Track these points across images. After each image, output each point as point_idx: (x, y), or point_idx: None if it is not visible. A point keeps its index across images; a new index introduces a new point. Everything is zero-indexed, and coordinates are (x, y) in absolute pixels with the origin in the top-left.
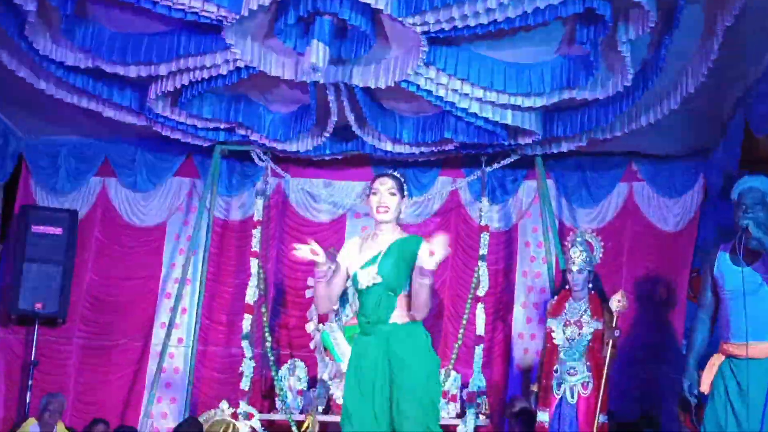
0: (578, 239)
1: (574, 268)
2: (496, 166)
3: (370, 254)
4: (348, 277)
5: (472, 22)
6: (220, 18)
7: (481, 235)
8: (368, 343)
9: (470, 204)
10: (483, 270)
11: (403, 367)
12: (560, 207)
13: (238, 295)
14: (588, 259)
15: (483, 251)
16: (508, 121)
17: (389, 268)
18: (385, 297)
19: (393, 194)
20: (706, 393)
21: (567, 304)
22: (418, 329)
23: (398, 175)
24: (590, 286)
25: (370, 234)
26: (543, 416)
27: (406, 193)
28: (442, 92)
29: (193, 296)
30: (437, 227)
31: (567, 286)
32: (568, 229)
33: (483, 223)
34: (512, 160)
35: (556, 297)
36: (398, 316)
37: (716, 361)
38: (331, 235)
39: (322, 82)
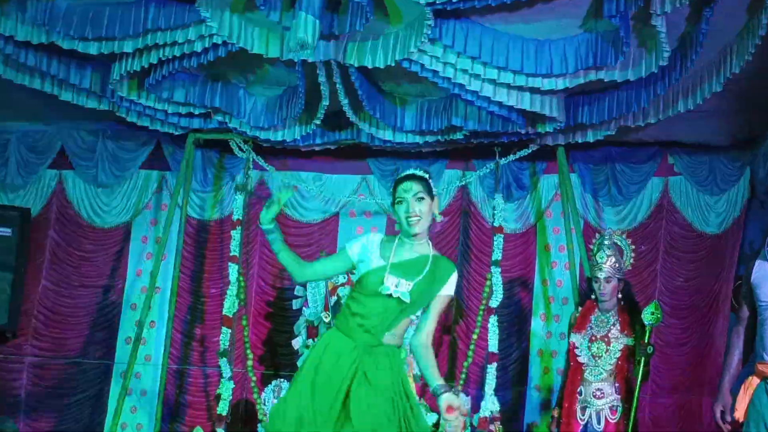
0: (606, 242)
1: (601, 276)
2: (511, 157)
3: (403, 260)
4: (350, 270)
5: None
6: None
7: (494, 238)
8: (347, 345)
9: (482, 201)
10: (496, 277)
11: (380, 390)
12: (585, 205)
13: (215, 307)
14: (617, 265)
15: (496, 256)
16: (526, 106)
17: (421, 294)
18: (397, 317)
19: (421, 198)
20: (740, 420)
21: (593, 317)
22: (399, 355)
23: (423, 174)
24: (619, 296)
25: (397, 239)
26: None
27: (435, 192)
28: (449, 73)
29: (163, 307)
30: (443, 228)
31: (593, 297)
32: (594, 231)
33: (496, 224)
34: (530, 151)
35: (580, 309)
36: (389, 339)
37: (751, 383)
38: (322, 237)
39: (311, 61)
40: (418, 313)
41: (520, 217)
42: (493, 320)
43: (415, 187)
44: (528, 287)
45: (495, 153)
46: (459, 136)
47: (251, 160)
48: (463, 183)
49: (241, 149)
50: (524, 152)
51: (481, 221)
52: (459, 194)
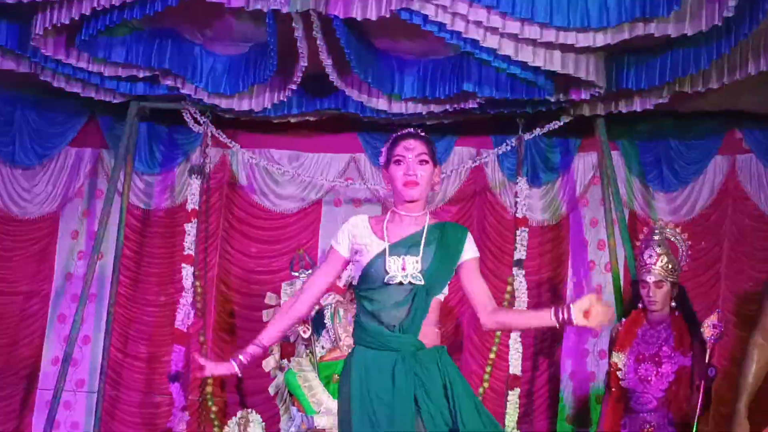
0: (656, 237)
1: (651, 279)
2: (538, 132)
3: (400, 236)
4: (344, 266)
5: None
6: None
7: (517, 232)
8: (387, 360)
9: (501, 186)
10: (520, 281)
11: (462, 399)
12: (631, 191)
13: (165, 319)
14: (670, 265)
15: (520, 254)
16: (556, 67)
17: (438, 269)
18: (422, 301)
19: (425, 162)
20: None
21: (640, 331)
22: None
23: (428, 137)
24: (673, 304)
25: (389, 215)
26: None
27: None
28: (459, 26)
29: (100, 320)
30: (453, 218)
31: (640, 305)
32: (642, 223)
33: (519, 215)
34: (562, 124)
35: (624, 320)
36: (428, 332)
37: None
38: (300, 232)
39: (285, 11)
40: (445, 291)
41: (548, 205)
42: (515, 335)
43: (419, 146)
44: (559, 294)
45: (517, 126)
46: (472, 105)
47: (210, 134)
48: (478, 164)
49: (197, 122)
50: (554, 126)
51: (500, 211)
52: (472, 178)
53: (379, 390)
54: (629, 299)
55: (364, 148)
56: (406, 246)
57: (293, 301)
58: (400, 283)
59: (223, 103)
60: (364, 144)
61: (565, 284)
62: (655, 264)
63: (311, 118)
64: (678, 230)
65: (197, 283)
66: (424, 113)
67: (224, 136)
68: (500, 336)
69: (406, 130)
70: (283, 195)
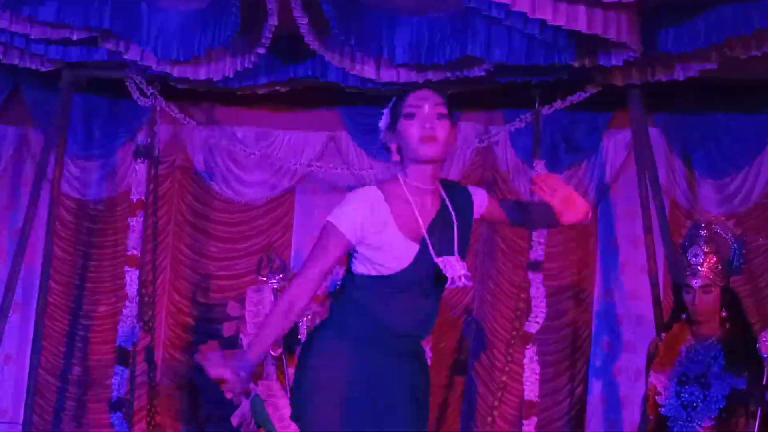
0: (703, 233)
1: (697, 284)
2: (559, 105)
3: (430, 218)
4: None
5: None
6: None
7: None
8: (399, 367)
9: (514, 172)
10: (537, 287)
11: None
12: (672, 176)
13: (105, 333)
14: (719, 267)
15: (536, 255)
16: (581, 26)
17: (464, 248)
18: (438, 303)
19: (443, 116)
20: None
21: (684, 348)
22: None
23: (445, 92)
24: (724, 314)
25: (405, 186)
26: None
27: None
28: None
29: (25, 336)
30: None
31: (684, 316)
32: (685, 215)
33: None
34: (588, 95)
35: (664, 334)
36: None
37: None
38: (270, 227)
39: None
40: None
41: None
42: (531, 353)
43: (435, 98)
44: (585, 302)
45: (534, 99)
46: (479, 72)
47: (159, 109)
48: (486, 144)
49: (143, 94)
50: (579, 97)
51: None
52: (479, 160)
53: (384, 397)
54: (671, 308)
55: (347, 125)
56: (443, 229)
57: (290, 296)
58: (431, 286)
59: (176, 71)
60: (347, 120)
61: (592, 291)
62: (701, 265)
63: (282, 89)
64: (730, 224)
65: (144, 291)
66: (419, 82)
67: (177, 110)
68: (512, 353)
69: (419, 85)
70: (249, 182)
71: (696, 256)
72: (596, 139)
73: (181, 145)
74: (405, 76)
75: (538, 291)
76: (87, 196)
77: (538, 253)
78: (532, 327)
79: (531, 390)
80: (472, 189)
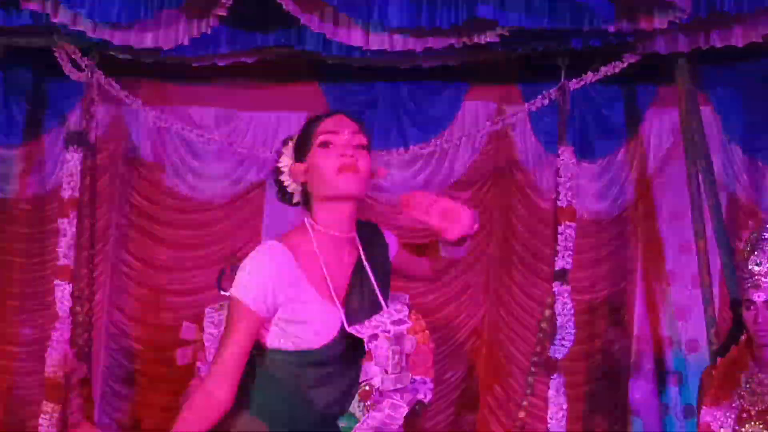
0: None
1: (760, 298)
2: (590, 78)
3: (346, 276)
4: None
5: None
6: None
7: (560, 229)
8: None
9: (534, 161)
10: (563, 302)
11: None
12: (730, 168)
13: (31, 363)
14: None
15: (563, 262)
16: None
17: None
18: (360, 371)
19: (363, 147)
20: None
21: (744, 376)
22: None
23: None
24: None
25: (313, 236)
26: None
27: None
28: None
29: None
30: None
31: (744, 337)
32: (747, 214)
33: (563, 203)
34: (626, 66)
35: (719, 360)
36: None
37: None
38: (232, 229)
39: None
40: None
41: (607, 189)
42: (556, 384)
43: (354, 125)
44: (622, 321)
45: (558, 71)
46: (491, 39)
47: (97, 86)
48: (500, 127)
49: (77, 66)
50: (614, 68)
51: (533, 199)
52: (491, 149)
53: None
54: (728, 329)
55: (328, 103)
56: (359, 293)
57: (209, 387)
58: (353, 353)
59: (117, 38)
60: (329, 99)
61: (631, 306)
62: (766, 275)
63: (249, 60)
64: None
65: (78, 309)
66: (418, 51)
67: (119, 87)
68: (533, 385)
69: (336, 110)
70: (208, 175)
71: (759, 264)
72: (636, 121)
73: (124, 129)
74: (400, 43)
75: (564, 307)
76: (7, 192)
77: (565, 260)
78: (558, 352)
79: (557, 430)
80: (386, 234)
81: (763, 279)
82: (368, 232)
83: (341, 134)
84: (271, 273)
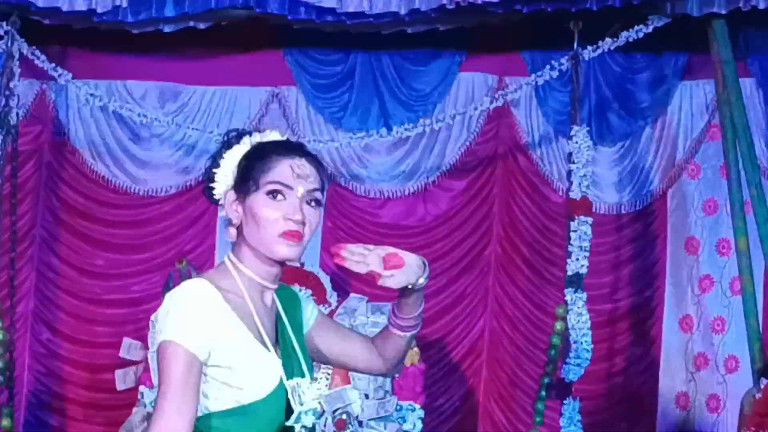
0: None
1: None
2: (608, 45)
3: (271, 322)
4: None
5: None
6: None
7: (572, 225)
8: None
9: (543, 143)
10: (578, 312)
11: None
12: None
13: None
14: None
15: (577, 265)
16: None
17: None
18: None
19: (316, 202)
20: None
21: None
22: None
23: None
24: None
25: (240, 281)
26: None
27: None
28: None
29: None
30: (459, 203)
31: None
32: None
33: (576, 195)
34: (651, 30)
35: (764, 382)
36: None
37: None
38: (180, 228)
39: None
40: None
41: (628, 178)
42: (570, 411)
43: (314, 177)
44: (648, 336)
45: (570, 35)
46: None
47: (17, 56)
48: (501, 103)
49: None
50: (637, 33)
51: (541, 189)
52: (491, 129)
53: None
54: None
55: (295, 75)
56: (282, 345)
57: None
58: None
59: (40, 1)
60: (296, 69)
61: (658, 317)
62: None
63: (200, 26)
64: None
65: None
66: (402, 13)
67: (44, 58)
68: (543, 408)
69: (284, 140)
70: (152, 163)
71: None
72: (664, 96)
73: (51, 109)
74: (380, 3)
75: (579, 319)
76: None
77: (579, 263)
78: (572, 373)
79: None
80: (302, 297)
81: None
82: (284, 294)
83: (297, 189)
84: (203, 311)
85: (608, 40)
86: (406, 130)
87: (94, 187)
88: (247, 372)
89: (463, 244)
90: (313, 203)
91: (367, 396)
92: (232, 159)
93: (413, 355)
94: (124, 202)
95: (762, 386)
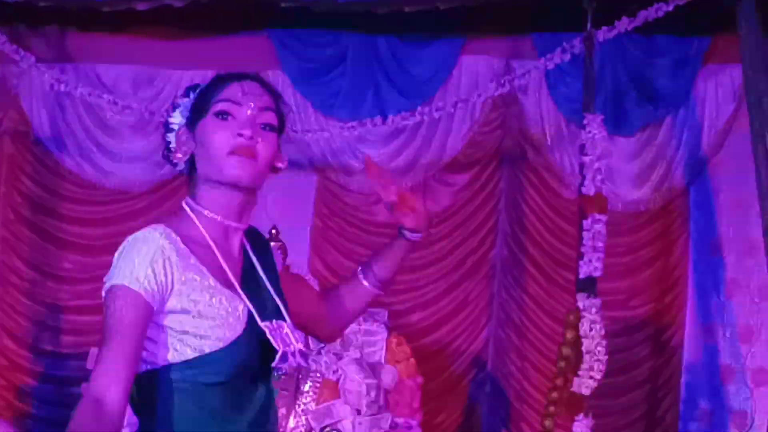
0: None
1: None
2: (624, 26)
3: (240, 268)
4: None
5: None
6: None
7: (585, 224)
8: None
9: (555, 135)
10: (591, 319)
11: None
12: None
13: None
14: None
15: (591, 267)
16: None
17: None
18: (271, 392)
19: (270, 126)
20: None
21: None
22: None
23: (279, 92)
24: None
25: (196, 218)
26: None
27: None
28: None
29: None
30: (461, 200)
31: None
32: None
33: (590, 190)
34: (672, 9)
35: None
36: None
37: None
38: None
39: None
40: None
41: (647, 172)
42: (582, 429)
43: (266, 98)
44: (668, 346)
45: (583, 16)
46: None
47: None
48: (507, 89)
49: None
50: (657, 13)
51: (551, 184)
52: (496, 117)
53: None
54: None
55: (281, 58)
56: (254, 289)
57: (94, 398)
58: (259, 371)
59: None
60: (281, 51)
61: (680, 328)
62: None
63: (177, 4)
64: None
65: None
66: None
67: (4, 39)
68: (551, 429)
69: (246, 73)
70: (124, 155)
71: None
72: (686, 82)
73: (12, 96)
74: None
75: (594, 327)
76: None
77: (593, 265)
78: (585, 386)
79: None
80: (273, 249)
81: None
82: (255, 237)
83: (244, 107)
84: (157, 253)
85: (625, 19)
86: (403, 119)
87: (60, 182)
88: (208, 318)
89: (466, 245)
90: (267, 128)
91: (359, 412)
92: (186, 103)
93: (409, 368)
94: (93, 198)
95: None
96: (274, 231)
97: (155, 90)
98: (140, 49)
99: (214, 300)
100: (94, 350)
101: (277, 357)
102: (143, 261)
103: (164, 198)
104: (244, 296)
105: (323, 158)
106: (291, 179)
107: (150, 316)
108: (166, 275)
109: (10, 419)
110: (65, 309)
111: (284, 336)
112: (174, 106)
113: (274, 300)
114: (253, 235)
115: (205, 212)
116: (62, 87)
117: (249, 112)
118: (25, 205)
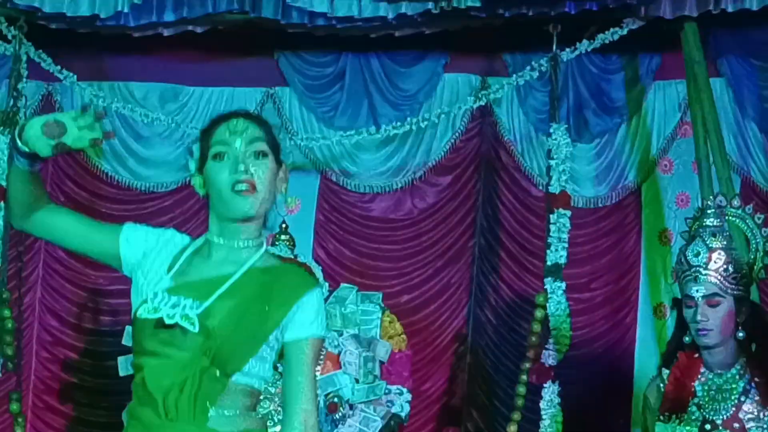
0: (710, 222)
1: (699, 293)
2: (585, 46)
3: (203, 277)
4: (114, 261)
5: None
6: None
7: (552, 218)
8: None
9: (523, 140)
10: (557, 300)
11: None
12: (745, 148)
13: None
14: (731, 269)
15: (556, 256)
16: None
17: (240, 324)
18: (216, 378)
19: (262, 154)
20: None
21: (698, 385)
22: None
23: (264, 119)
24: (741, 334)
25: (204, 244)
26: None
27: (284, 158)
28: None
29: None
30: (444, 198)
31: (687, 339)
32: (764, 200)
33: (556, 189)
34: (626, 32)
35: (666, 372)
36: (228, 421)
37: None
38: (181, 221)
39: None
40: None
41: (605, 172)
42: (549, 394)
43: (252, 129)
44: (624, 322)
45: (549, 37)
46: (472, 2)
47: (24, 59)
48: (484, 102)
49: (2, 37)
50: (613, 35)
51: (522, 183)
52: (474, 127)
53: None
54: (676, 336)
55: (287, 77)
56: (205, 286)
57: (52, 208)
58: (172, 327)
59: (47, 5)
60: (288, 71)
61: (634, 307)
62: (704, 266)
63: (198, 30)
64: (753, 213)
65: (6, 313)
66: (389, 17)
67: (50, 60)
68: (523, 399)
69: (235, 111)
70: (153, 160)
71: (697, 255)
72: (638, 95)
73: (57, 109)
74: (369, 8)
75: (559, 306)
76: None
77: (559, 253)
78: (552, 358)
79: None
80: (315, 298)
81: (701, 271)
82: (286, 271)
83: (233, 144)
84: (159, 231)
85: (585, 42)
86: (394, 128)
87: (97, 183)
88: (143, 282)
89: (449, 236)
90: (259, 156)
91: (357, 380)
92: (195, 156)
93: (401, 342)
94: (126, 198)
95: (661, 374)
96: (283, 225)
97: (180, 104)
98: (167, 69)
99: (152, 271)
100: (128, 328)
101: (156, 314)
102: (143, 228)
103: (188, 197)
104: (173, 290)
105: (325, 162)
106: (297, 180)
107: (113, 243)
108: (143, 244)
109: (55, 389)
110: (102, 293)
111: (170, 307)
112: (189, 152)
113: (221, 300)
114: (285, 270)
115: (208, 237)
116: (100, 102)
117: (238, 147)
118: (68, 204)
